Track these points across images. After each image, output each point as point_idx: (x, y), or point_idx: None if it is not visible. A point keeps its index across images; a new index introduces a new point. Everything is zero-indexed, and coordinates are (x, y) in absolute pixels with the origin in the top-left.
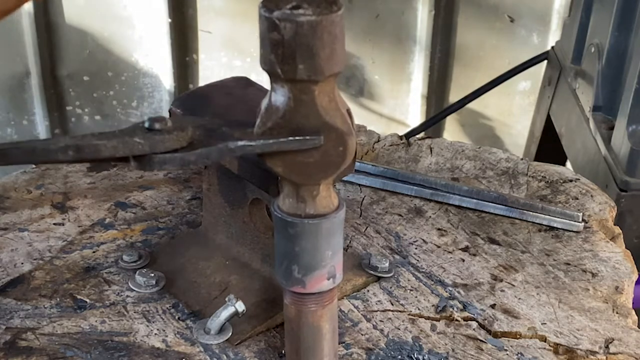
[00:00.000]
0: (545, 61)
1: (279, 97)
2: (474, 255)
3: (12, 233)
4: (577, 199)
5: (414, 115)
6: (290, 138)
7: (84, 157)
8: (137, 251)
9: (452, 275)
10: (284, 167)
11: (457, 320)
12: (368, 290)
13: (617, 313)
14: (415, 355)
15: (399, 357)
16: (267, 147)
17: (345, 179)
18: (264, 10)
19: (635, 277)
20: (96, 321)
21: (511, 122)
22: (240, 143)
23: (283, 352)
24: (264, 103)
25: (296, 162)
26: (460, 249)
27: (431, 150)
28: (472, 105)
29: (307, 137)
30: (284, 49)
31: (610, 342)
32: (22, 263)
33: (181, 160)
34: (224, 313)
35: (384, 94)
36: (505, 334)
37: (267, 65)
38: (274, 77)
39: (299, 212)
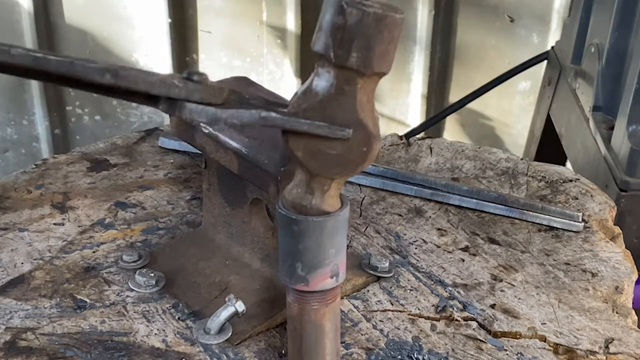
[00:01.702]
0: (545, 61)
1: (322, 82)
2: (474, 255)
3: (12, 233)
4: (577, 199)
5: (414, 115)
6: (322, 123)
7: (119, 85)
8: (137, 251)
9: (452, 275)
10: (304, 151)
11: (457, 320)
12: (368, 290)
13: (617, 313)
14: (415, 355)
15: (399, 357)
16: (298, 125)
17: None
18: None
19: (635, 277)
20: (96, 321)
21: (511, 122)
22: (273, 114)
23: (283, 352)
24: (302, 87)
25: (318, 150)
26: (460, 249)
27: (431, 150)
28: (472, 105)
29: (338, 127)
30: (343, 34)
31: (610, 342)
32: (22, 263)
33: (213, 114)
34: (224, 313)
35: (384, 94)
36: (505, 334)
37: (320, 46)
38: (323, 61)
39: (304, 203)
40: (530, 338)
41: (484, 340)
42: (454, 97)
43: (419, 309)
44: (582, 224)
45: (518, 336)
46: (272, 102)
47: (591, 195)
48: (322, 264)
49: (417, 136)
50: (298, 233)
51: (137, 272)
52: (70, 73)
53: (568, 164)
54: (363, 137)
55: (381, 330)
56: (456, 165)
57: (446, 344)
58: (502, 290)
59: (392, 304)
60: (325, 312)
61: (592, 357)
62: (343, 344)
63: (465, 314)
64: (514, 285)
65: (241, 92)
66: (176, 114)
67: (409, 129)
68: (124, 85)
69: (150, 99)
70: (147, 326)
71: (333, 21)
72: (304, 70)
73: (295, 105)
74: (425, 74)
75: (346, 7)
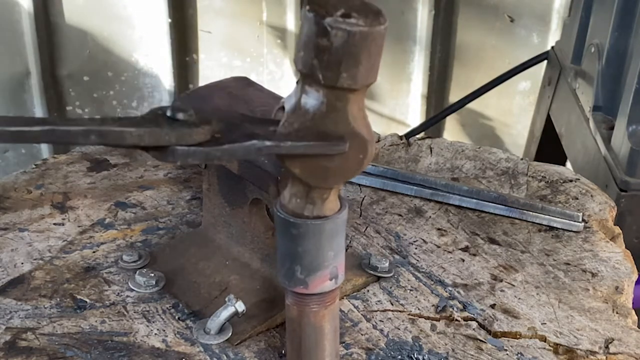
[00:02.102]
0: (545, 61)
1: (311, 100)
2: (474, 255)
3: (12, 233)
4: (577, 199)
5: (414, 115)
6: (318, 142)
7: (106, 143)
8: (137, 251)
9: (452, 275)
10: (302, 168)
11: (457, 320)
12: (368, 290)
13: (617, 313)
14: (415, 355)
15: (399, 357)
16: (294, 149)
17: None
18: (313, 14)
19: (635, 277)
20: (96, 321)
21: (511, 122)
22: (268, 143)
23: (283, 352)
24: (291, 103)
25: (316, 166)
26: (460, 249)
27: (431, 150)
28: (472, 105)
29: (334, 143)
30: (330, 56)
31: (610, 342)
32: (22, 263)
33: (207, 155)
34: (224, 313)
35: (384, 94)
36: (505, 334)
37: (305, 68)
38: (310, 81)
39: (306, 213)
40: (530, 338)
41: (484, 340)
42: (454, 97)
43: (419, 309)
44: (582, 224)
45: (518, 336)
46: (261, 120)
47: (591, 195)
48: (321, 266)
49: (417, 136)
50: (297, 236)
51: (137, 272)
52: (54, 140)
53: (568, 164)
54: (358, 145)
55: (381, 330)
56: (456, 165)
57: (446, 344)
58: (502, 290)
59: (392, 304)
60: (324, 314)
61: (592, 357)
62: (343, 344)
63: (465, 314)
64: (514, 285)
65: (225, 114)
66: (169, 160)
67: (409, 129)
68: (111, 143)
69: (138, 148)
70: (147, 326)
71: (317, 42)
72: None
73: (286, 125)
74: (425, 74)
75: (330, 29)
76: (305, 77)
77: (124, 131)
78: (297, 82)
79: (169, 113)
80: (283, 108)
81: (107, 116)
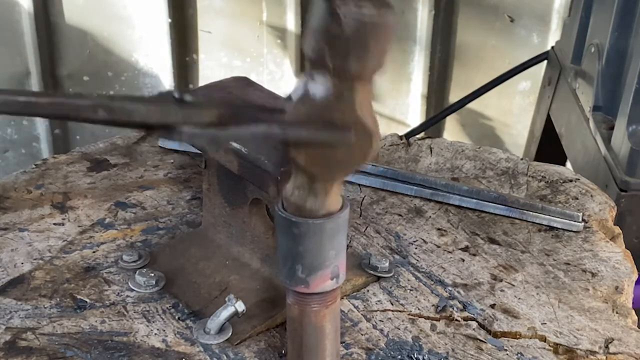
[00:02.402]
0: (545, 61)
1: (319, 87)
2: (474, 255)
3: (12, 233)
4: (577, 199)
5: (414, 115)
6: (324, 131)
7: (113, 119)
8: (137, 251)
9: (452, 275)
10: (306, 158)
11: (457, 320)
12: (368, 290)
13: (617, 313)
14: (415, 355)
15: (399, 357)
16: (299, 136)
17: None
18: (326, 1)
19: (635, 277)
20: (96, 321)
21: (511, 122)
22: (275, 129)
23: (283, 352)
24: (298, 91)
25: (321, 156)
26: (460, 249)
27: (431, 150)
28: (472, 105)
29: (341, 132)
30: (340, 43)
31: (610, 342)
32: (22, 263)
33: (212, 136)
34: (224, 313)
35: (384, 94)
36: (505, 334)
37: (315, 54)
38: (318, 67)
39: (308, 206)
40: (530, 338)
41: (484, 340)
42: (454, 97)
43: (419, 309)
44: (582, 224)
45: (518, 336)
46: (268, 108)
47: (591, 195)
48: (322, 265)
49: (417, 136)
50: (298, 235)
51: (137, 272)
52: (61, 113)
53: (568, 164)
54: (364, 137)
55: (381, 330)
56: (456, 165)
57: (446, 344)
58: (502, 290)
59: (392, 304)
60: (325, 313)
61: (592, 357)
62: (343, 344)
63: (465, 314)
64: (514, 285)
65: (233, 100)
66: (174, 139)
67: (409, 129)
68: (118, 120)
69: (145, 126)
70: (147, 326)
71: (328, 30)
72: (304, 70)
73: (293, 113)
74: (425, 74)
75: (343, 18)
76: (314, 64)
77: (132, 108)
78: (304, 72)
79: (176, 95)
80: (290, 98)
81: (115, 94)
